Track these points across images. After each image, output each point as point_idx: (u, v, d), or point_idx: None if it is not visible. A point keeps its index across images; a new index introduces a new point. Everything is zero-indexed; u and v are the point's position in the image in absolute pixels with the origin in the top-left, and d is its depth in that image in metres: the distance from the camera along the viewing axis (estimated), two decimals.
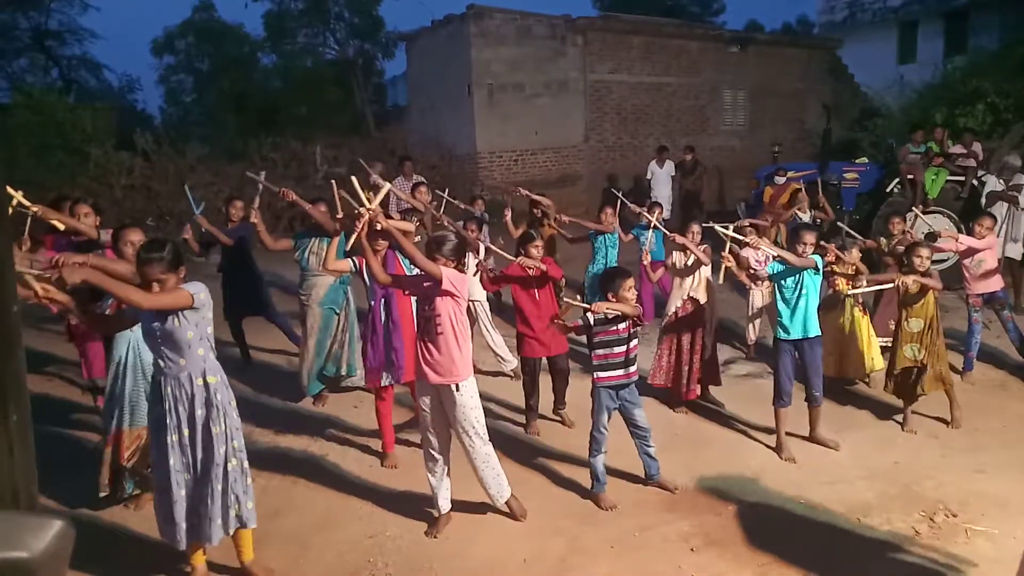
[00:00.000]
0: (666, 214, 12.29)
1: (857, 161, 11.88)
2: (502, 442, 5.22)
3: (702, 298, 5.79)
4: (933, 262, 8.38)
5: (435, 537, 4.05)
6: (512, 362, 6.39)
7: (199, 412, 3.36)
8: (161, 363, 3.35)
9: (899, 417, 5.62)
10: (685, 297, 5.79)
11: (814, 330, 5.04)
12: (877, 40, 19.93)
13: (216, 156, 14.11)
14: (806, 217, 8.18)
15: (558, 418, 5.66)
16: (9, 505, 1.09)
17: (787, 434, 5.15)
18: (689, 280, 5.78)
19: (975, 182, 9.98)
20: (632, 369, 4.40)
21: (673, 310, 5.82)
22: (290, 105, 17.91)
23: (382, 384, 4.86)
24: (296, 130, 15.13)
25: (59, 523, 0.76)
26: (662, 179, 12.86)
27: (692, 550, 3.94)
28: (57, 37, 20.74)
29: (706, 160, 14.20)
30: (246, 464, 3.54)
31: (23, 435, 1.16)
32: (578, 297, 6.46)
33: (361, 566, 3.82)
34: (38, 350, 7.00)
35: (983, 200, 9.49)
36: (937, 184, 9.96)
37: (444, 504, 4.12)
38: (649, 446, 4.55)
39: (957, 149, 10.56)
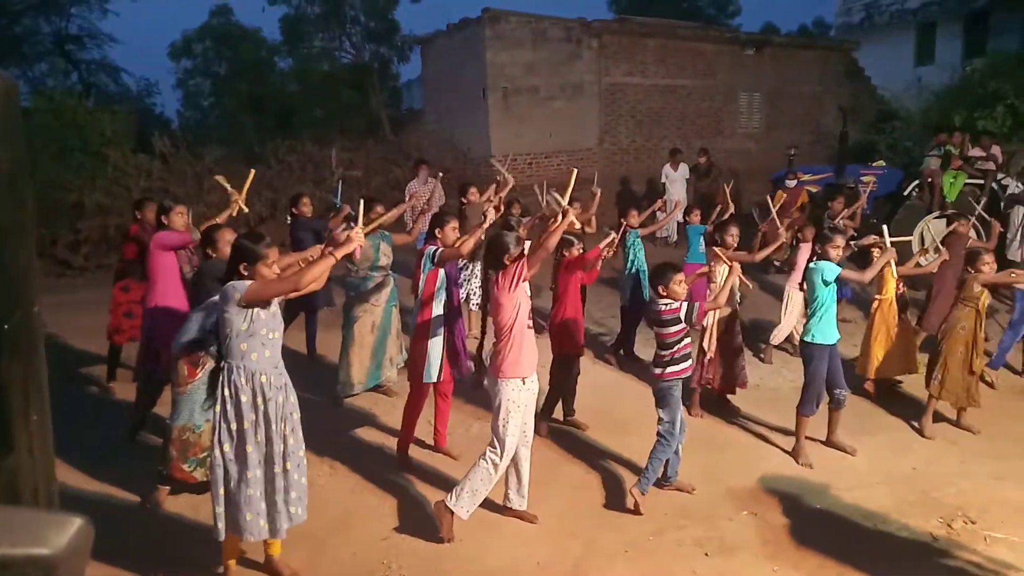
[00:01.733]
0: (679, 217, 12.26)
1: (874, 164, 11.78)
2: None
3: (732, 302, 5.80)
4: None
5: (451, 541, 4.04)
6: None
7: (291, 399, 3.47)
8: (268, 354, 3.39)
9: (915, 422, 5.58)
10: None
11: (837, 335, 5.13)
12: (894, 42, 19.73)
13: (233, 159, 14.20)
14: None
15: (570, 423, 5.66)
16: (30, 503, 1.10)
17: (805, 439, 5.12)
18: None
19: (994, 185, 9.88)
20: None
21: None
22: (306, 108, 17.99)
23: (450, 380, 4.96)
24: (312, 133, 15.21)
25: (79, 521, 0.77)
26: (676, 182, 12.82)
27: (707, 555, 3.93)
28: (77, 41, 20.97)
29: (721, 163, 14.13)
30: None
31: (43, 434, 1.17)
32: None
33: (375, 567, 3.83)
34: (66, 344, 7.08)
35: (1002, 203, 9.40)
36: (955, 187, 9.87)
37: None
38: (681, 443, 4.56)
39: (976, 152, 10.46)
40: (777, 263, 10.00)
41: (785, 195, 9.78)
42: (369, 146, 15.11)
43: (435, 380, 4.86)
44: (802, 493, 4.58)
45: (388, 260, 5.91)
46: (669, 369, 4.36)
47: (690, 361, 4.46)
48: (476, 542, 4.03)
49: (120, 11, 21.35)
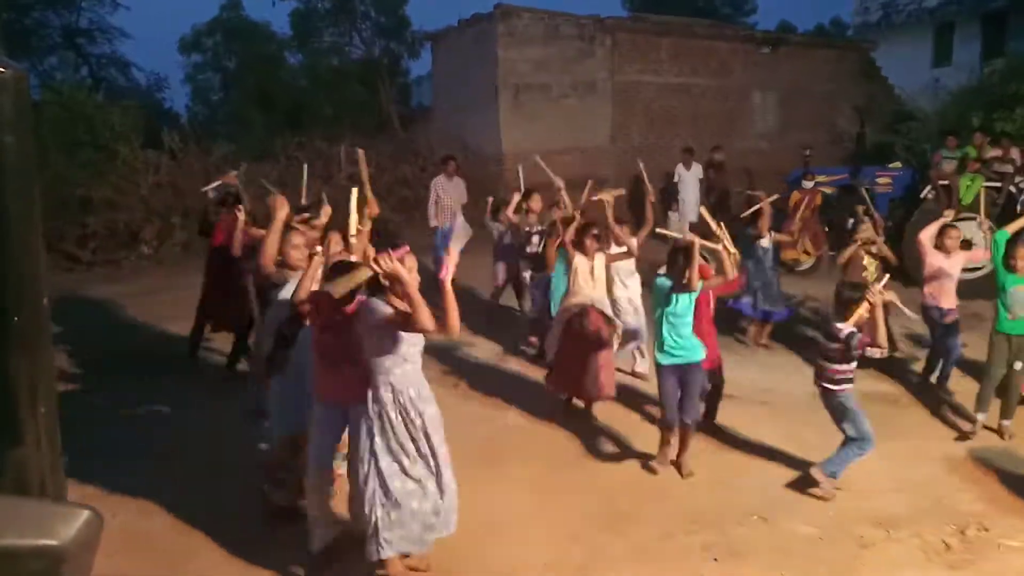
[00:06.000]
0: (692, 217, 12.22)
1: (891, 166, 11.69)
2: (523, 446, 5.20)
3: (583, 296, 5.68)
4: (967, 270, 8.24)
5: None
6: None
7: (426, 417, 3.45)
8: (409, 367, 3.42)
9: (923, 428, 5.53)
10: None
11: (700, 354, 4.79)
12: (912, 42, 19.58)
13: (242, 154, 14.24)
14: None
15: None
16: (38, 495, 1.09)
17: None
18: None
19: (1012, 188, 9.79)
20: None
21: None
22: (316, 104, 18.04)
23: None
24: (322, 129, 15.23)
25: (87, 512, 0.77)
26: (689, 181, 12.78)
27: (715, 560, 3.90)
28: (87, 35, 21.04)
29: (735, 163, 14.10)
30: None
31: (51, 427, 1.16)
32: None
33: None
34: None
35: (1019, 206, 9.30)
36: (972, 190, 9.78)
37: None
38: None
39: (994, 153, 10.37)
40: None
41: (800, 196, 9.74)
42: (379, 142, 15.11)
43: None
44: (812, 499, 4.53)
45: None
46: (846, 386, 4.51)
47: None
48: (483, 543, 4.00)
49: (130, 5, 21.30)
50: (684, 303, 4.61)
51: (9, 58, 1.07)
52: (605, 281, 5.65)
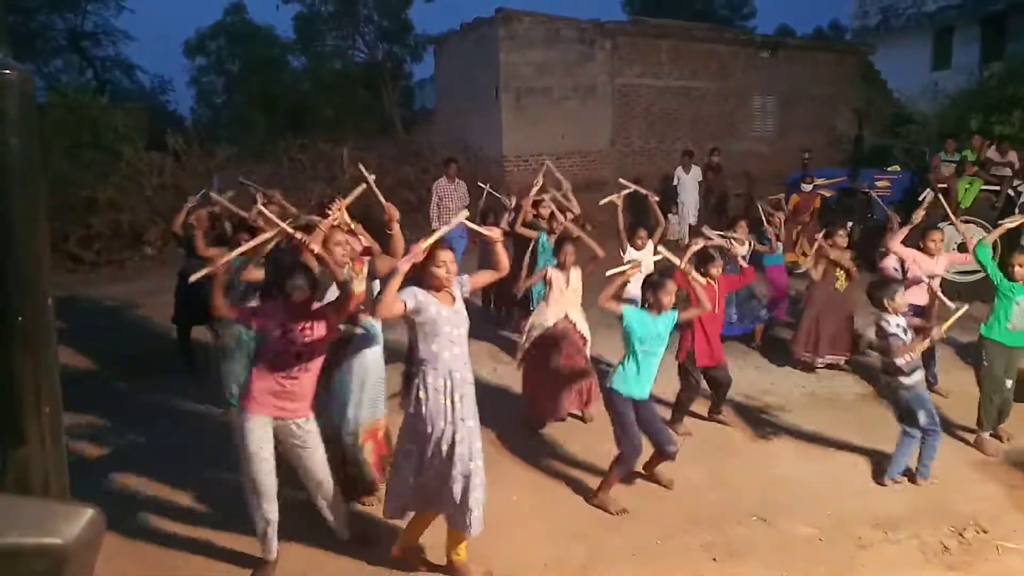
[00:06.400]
0: (691, 219, 12.26)
1: (889, 169, 11.70)
2: (523, 446, 5.21)
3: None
4: (965, 273, 8.26)
5: None
6: None
7: (465, 406, 3.54)
8: (458, 351, 3.52)
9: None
10: None
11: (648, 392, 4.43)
12: (911, 46, 19.58)
13: (245, 157, 14.27)
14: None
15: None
16: (41, 494, 1.10)
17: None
18: None
19: (1011, 191, 9.79)
20: None
21: None
22: (318, 107, 18.07)
23: None
24: (324, 132, 15.26)
25: (90, 511, 0.77)
26: (688, 185, 12.80)
27: (714, 560, 3.90)
28: (92, 38, 21.12)
29: (735, 165, 14.09)
30: None
31: (55, 427, 1.17)
32: None
33: (384, 568, 3.82)
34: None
35: (1016, 209, 9.29)
36: (971, 193, 9.79)
37: None
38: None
39: (993, 154, 10.37)
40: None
41: (799, 199, 9.76)
42: (381, 144, 15.15)
43: None
44: (812, 499, 4.54)
45: None
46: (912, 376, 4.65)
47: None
48: (484, 542, 4.00)
49: (135, 8, 21.37)
50: (664, 328, 4.32)
51: (14, 60, 1.10)
52: (580, 292, 5.59)
